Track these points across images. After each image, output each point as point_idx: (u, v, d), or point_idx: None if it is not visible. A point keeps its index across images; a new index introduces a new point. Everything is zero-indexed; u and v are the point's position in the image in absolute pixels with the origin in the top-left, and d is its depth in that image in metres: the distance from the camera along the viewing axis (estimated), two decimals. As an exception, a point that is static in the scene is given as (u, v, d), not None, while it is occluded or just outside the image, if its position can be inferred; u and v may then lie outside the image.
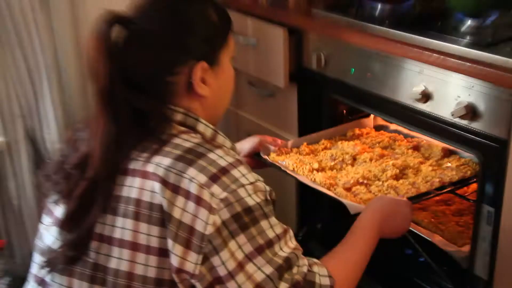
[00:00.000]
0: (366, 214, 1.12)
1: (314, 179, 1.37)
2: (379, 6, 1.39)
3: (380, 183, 1.35)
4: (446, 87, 1.24)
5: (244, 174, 0.89)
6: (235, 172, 0.88)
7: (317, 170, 1.40)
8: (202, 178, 0.86)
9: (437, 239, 1.39)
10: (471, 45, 1.20)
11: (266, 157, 1.46)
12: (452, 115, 1.22)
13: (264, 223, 0.88)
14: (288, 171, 1.40)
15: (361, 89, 1.45)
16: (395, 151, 1.53)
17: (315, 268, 0.93)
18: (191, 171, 0.86)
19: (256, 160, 1.44)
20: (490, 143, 1.18)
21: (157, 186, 0.86)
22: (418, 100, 1.30)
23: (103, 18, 0.91)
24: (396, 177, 1.37)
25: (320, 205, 1.72)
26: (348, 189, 1.33)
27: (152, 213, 0.86)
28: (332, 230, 1.66)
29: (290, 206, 1.83)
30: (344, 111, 1.64)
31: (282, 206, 1.82)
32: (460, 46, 1.21)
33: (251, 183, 0.88)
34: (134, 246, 0.87)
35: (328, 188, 1.33)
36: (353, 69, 1.46)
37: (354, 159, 1.47)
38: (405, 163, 1.41)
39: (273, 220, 0.90)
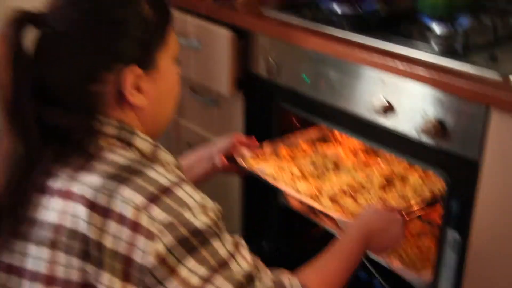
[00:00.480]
0: (354, 226, 1.08)
1: (297, 189, 1.29)
2: (338, 7, 1.26)
3: (369, 195, 1.27)
4: (411, 100, 1.12)
5: (189, 194, 0.79)
6: (178, 192, 0.78)
7: (299, 179, 1.33)
8: (139, 199, 0.76)
9: (394, 263, 1.28)
10: (441, 53, 1.10)
11: (242, 162, 1.35)
12: (418, 133, 1.10)
13: (216, 243, 0.79)
14: (268, 180, 1.32)
15: (314, 99, 1.33)
16: (379, 157, 1.45)
17: (286, 281, 0.89)
18: (125, 191, 0.76)
19: (231, 164, 1.33)
20: (459, 165, 1.08)
21: (81, 210, 0.76)
22: (379, 113, 1.18)
23: (10, 17, 0.78)
24: (383, 187, 1.31)
25: (266, 221, 1.59)
26: (334, 200, 1.25)
27: (73, 243, 0.76)
28: (279, 248, 1.56)
29: (234, 221, 1.69)
30: (296, 122, 1.51)
31: (225, 223, 1.69)
32: (428, 53, 1.10)
33: (198, 204, 0.79)
34: (50, 281, 0.77)
35: (313, 199, 1.26)
36: (307, 77, 1.34)
37: (336, 165, 1.41)
38: (390, 172, 1.35)
39: (225, 236, 0.82)
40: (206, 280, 0.77)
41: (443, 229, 1.15)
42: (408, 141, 1.15)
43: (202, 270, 0.77)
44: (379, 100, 1.17)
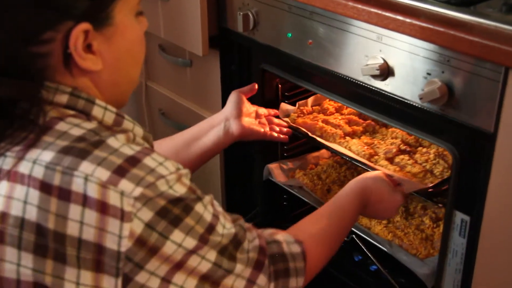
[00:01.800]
0: (353, 187, 1.02)
1: (350, 148, 1.20)
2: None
3: (424, 150, 1.18)
4: (413, 61, 0.95)
5: (160, 162, 0.70)
6: (148, 161, 0.69)
7: (350, 136, 1.24)
8: (104, 174, 0.66)
9: (396, 251, 1.14)
10: (448, 4, 0.92)
11: (287, 119, 1.26)
12: (421, 98, 0.93)
13: (198, 207, 0.72)
14: (317, 139, 1.23)
15: (300, 59, 1.15)
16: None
17: (279, 237, 0.85)
18: (86, 166, 0.66)
19: (251, 128, 1.17)
20: (470, 136, 0.92)
21: (33, 194, 0.66)
22: (375, 77, 1.01)
23: None
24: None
25: (250, 200, 1.45)
26: (391, 160, 1.14)
27: (23, 234, 0.66)
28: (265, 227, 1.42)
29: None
30: (280, 86, 1.32)
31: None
32: (432, 6, 0.93)
33: (172, 172, 0.70)
34: None
35: (369, 160, 1.16)
36: (290, 34, 1.15)
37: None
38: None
39: (206, 198, 0.75)
40: (192, 251, 0.70)
41: (450, 211, 1.00)
42: (410, 109, 0.98)
43: (191, 241, 0.70)
44: (375, 60, 0.99)
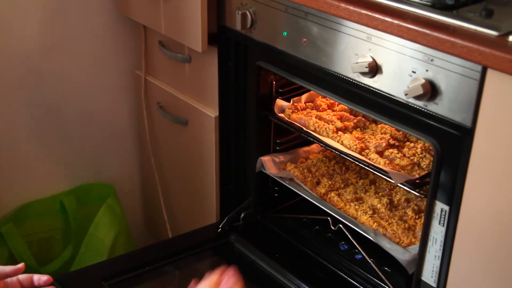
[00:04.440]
0: None
1: (342, 142, 1.25)
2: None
3: (412, 144, 1.24)
4: (400, 60, 1.01)
5: None
6: None
7: (342, 131, 1.29)
8: None
9: (379, 238, 1.20)
10: (433, 8, 0.98)
11: (281, 115, 1.34)
12: (406, 94, 1.00)
13: None
14: (312, 133, 1.28)
15: (294, 57, 1.21)
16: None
17: None
18: None
19: None
20: (450, 131, 0.98)
21: None
22: (364, 74, 1.07)
23: None
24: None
25: (244, 192, 1.50)
26: (380, 153, 1.19)
27: None
28: (256, 221, 1.47)
29: (210, 194, 1.59)
30: (274, 83, 1.38)
31: (202, 195, 1.60)
32: (418, 9, 0.99)
33: None
34: None
35: (360, 153, 1.21)
36: (286, 33, 1.21)
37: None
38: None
39: None
40: None
41: (430, 201, 1.06)
42: (395, 105, 1.04)
43: None
44: (365, 58, 1.05)
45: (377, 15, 1.00)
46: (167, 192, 1.79)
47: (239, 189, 1.52)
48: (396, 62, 1.02)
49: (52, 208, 1.74)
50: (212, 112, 1.50)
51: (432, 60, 0.96)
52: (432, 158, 1.19)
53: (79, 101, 1.72)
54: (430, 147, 1.22)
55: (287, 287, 1.35)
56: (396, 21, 0.98)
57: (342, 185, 1.35)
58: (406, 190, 1.23)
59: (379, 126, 1.33)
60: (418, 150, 1.21)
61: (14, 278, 0.99)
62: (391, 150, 1.22)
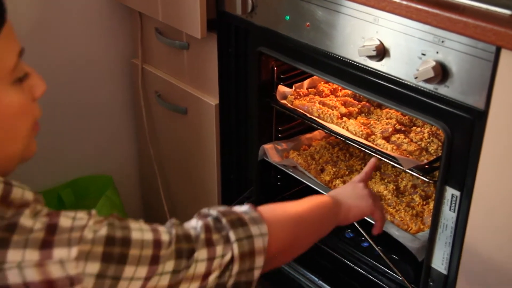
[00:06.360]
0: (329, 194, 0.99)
1: (347, 128, 1.22)
2: None
3: (418, 129, 1.20)
4: (408, 42, 0.98)
5: (73, 217, 0.68)
6: (63, 221, 0.66)
7: (346, 116, 1.26)
8: (34, 254, 0.63)
9: (388, 225, 1.18)
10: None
11: (284, 102, 1.29)
12: (416, 78, 0.97)
13: (135, 234, 0.70)
14: (316, 119, 1.26)
15: (297, 41, 1.17)
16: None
17: (238, 209, 0.80)
18: (13, 255, 0.63)
19: None
20: (462, 114, 0.95)
21: None
22: (371, 58, 1.04)
23: None
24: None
25: (245, 177, 1.47)
26: (387, 139, 1.17)
27: None
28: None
29: (211, 184, 1.56)
30: (275, 69, 1.35)
31: (203, 185, 1.57)
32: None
33: (88, 218, 0.68)
34: None
35: (366, 139, 1.18)
36: (288, 17, 1.18)
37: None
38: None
39: (134, 221, 0.73)
40: (147, 278, 0.68)
41: (440, 186, 1.03)
42: (404, 88, 1.01)
43: (143, 269, 0.68)
44: (372, 42, 1.02)
45: (385, -3, 0.97)
46: (167, 183, 1.76)
47: (241, 179, 1.50)
48: (405, 45, 0.99)
49: (50, 202, 1.71)
50: (212, 100, 1.46)
51: (442, 41, 0.93)
52: (439, 143, 1.17)
53: (74, 92, 1.68)
54: (438, 132, 1.20)
55: (292, 276, 1.33)
56: (404, 2, 0.95)
57: (347, 172, 1.33)
58: (414, 176, 1.21)
59: (384, 111, 1.30)
60: (425, 135, 1.19)
61: None
62: (397, 135, 1.19)
